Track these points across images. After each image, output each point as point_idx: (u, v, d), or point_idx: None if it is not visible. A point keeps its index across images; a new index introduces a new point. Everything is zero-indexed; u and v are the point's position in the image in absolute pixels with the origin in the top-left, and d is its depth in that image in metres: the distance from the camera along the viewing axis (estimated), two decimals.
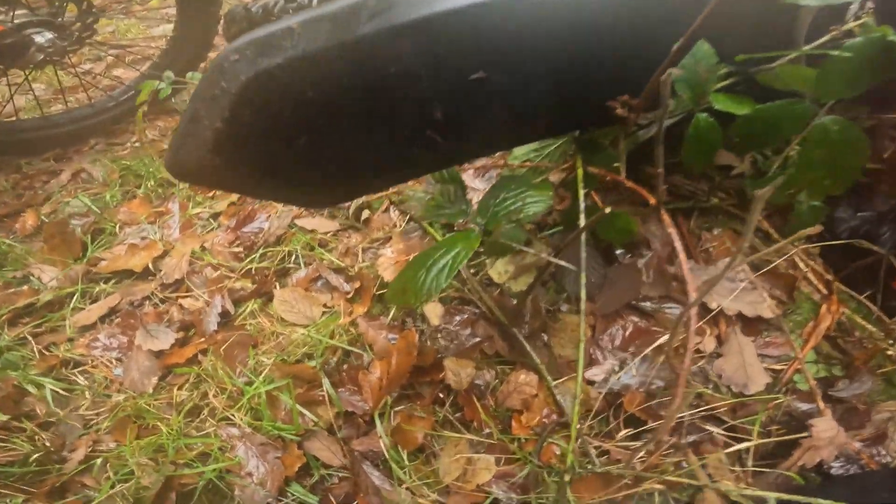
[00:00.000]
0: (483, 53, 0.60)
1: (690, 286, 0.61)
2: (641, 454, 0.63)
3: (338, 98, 0.56)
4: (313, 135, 0.57)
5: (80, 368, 1.00)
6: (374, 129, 0.60)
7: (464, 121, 0.65)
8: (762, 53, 0.64)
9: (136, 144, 1.50)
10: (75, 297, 1.06)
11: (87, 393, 0.97)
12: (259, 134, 0.54)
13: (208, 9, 1.54)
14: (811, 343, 0.95)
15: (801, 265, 1.06)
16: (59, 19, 1.43)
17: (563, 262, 0.68)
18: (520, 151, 0.94)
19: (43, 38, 1.42)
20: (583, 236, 0.70)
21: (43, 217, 1.25)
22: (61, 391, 0.96)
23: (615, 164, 0.82)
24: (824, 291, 1.02)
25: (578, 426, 0.85)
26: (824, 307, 0.99)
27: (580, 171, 0.77)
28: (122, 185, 1.31)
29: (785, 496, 0.52)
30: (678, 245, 0.63)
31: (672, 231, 0.65)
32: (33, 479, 0.88)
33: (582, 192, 0.74)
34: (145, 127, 1.51)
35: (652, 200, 0.73)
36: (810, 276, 1.04)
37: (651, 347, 0.90)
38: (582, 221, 0.71)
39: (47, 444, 0.91)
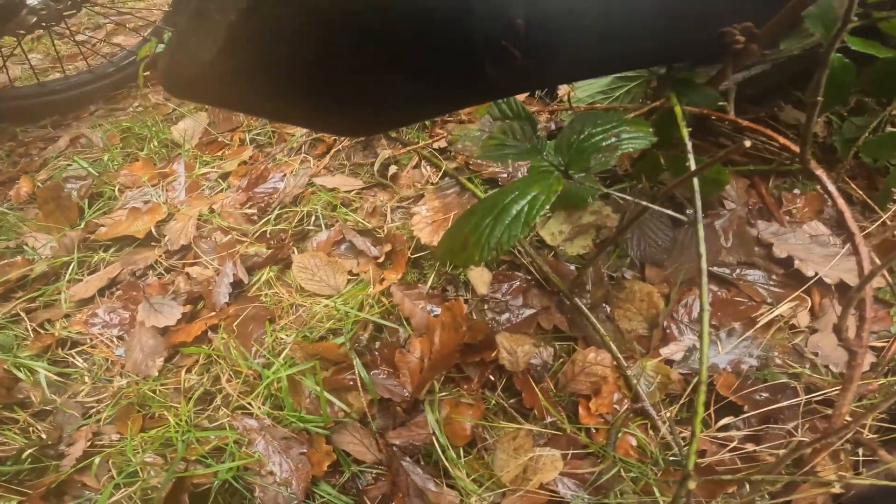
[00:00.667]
0: None
1: (863, 256, 0.41)
2: (794, 455, 0.45)
3: None
4: (360, 34, 0.38)
5: (77, 349, 0.83)
6: (438, 34, 0.41)
7: (550, 32, 0.45)
8: None
9: (139, 109, 1.30)
10: (71, 268, 0.89)
11: (85, 377, 0.80)
12: (286, 31, 0.35)
13: None
14: None
15: None
16: None
17: (669, 212, 0.49)
18: (583, 94, 0.74)
19: (35, 0, 1.23)
20: (696, 182, 0.50)
21: (38, 183, 1.07)
22: (57, 376, 0.79)
23: (720, 104, 0.62)
24: None
25: (656, 413, 0.67)
26: None
27: (678, 109, 0.57)
28: (124, 147, 1.12)
29: None
30: (840, 204, 0.43)
31: (820, 173, 0.46)
32: (28, 477, 0.72)
33: (685, 131, 0.54)
34: (148, 91, 1.31)
35: (787, 144, 0.53)
36: None
37: (756, 326, 0.71)
38: (692, 165, 0.51)
39: (43, 436, 0.75)
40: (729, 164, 0.92)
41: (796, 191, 0.87)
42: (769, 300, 0.76)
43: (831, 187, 0.45)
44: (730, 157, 0.92)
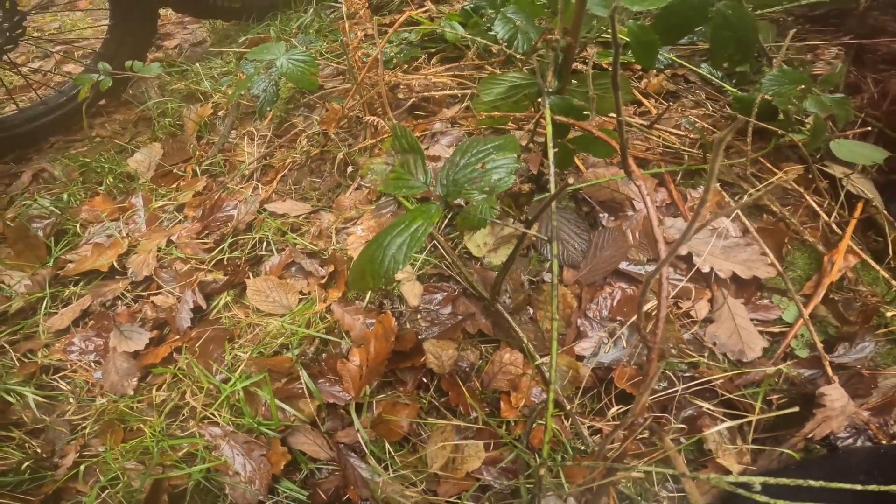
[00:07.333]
0: None
1: (660, 245, 0.58)
2: (613, 440, 0.62)
3: None
4: None
5: (60, 374, 1.02)
6: None
7: None
8: None
9: (97, 140, 1.46)
10: (45, 302, 1.07)
11: (70, 398, 0.99)
12: None
13: None
14: (814, 300, 0.92)
15: (812, 202, 1.03)
16: None
17: (536, 234, 0.66)
18: (487, 97, 0.87)
19: None
20: (553, 205, 0.67)
21: (7, 222, 1.24)
22: (44, 398, 0.98)
23: (585, 113, 0.78)
24: (838, 232, 0.99)
25: (570, 406, 0.85)
26: (826, 258, 0.97)
27: (549, 128, 0.72)
28: (84, 182, 1.29)
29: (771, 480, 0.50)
30: (647, 202, 0.59)
31: (640, 183, 0.62)
32: (29, 487, 0.90)
33: (552, 153, 0.70)
34: (103, 121, 1.47)
35: (615, 145, 0.69)
36: (821, 211, 1.01)
37: (625, 312, 0.88)
38: (553, 188, 0.67)
39: (38, 450, 0.94)
40: (643, 166, 1.08)
41: (700, 188, 1.03)
42: (674, 294, 0.93)
43: (646, 199, 0.61)
44: (643, 158, 1.09)
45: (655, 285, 0.96)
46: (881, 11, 1.47)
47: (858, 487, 0.47)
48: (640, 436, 0.69)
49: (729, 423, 0.72)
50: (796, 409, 0.72)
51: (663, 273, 0.58)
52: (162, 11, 1.62)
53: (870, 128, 1.16)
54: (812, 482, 0.49)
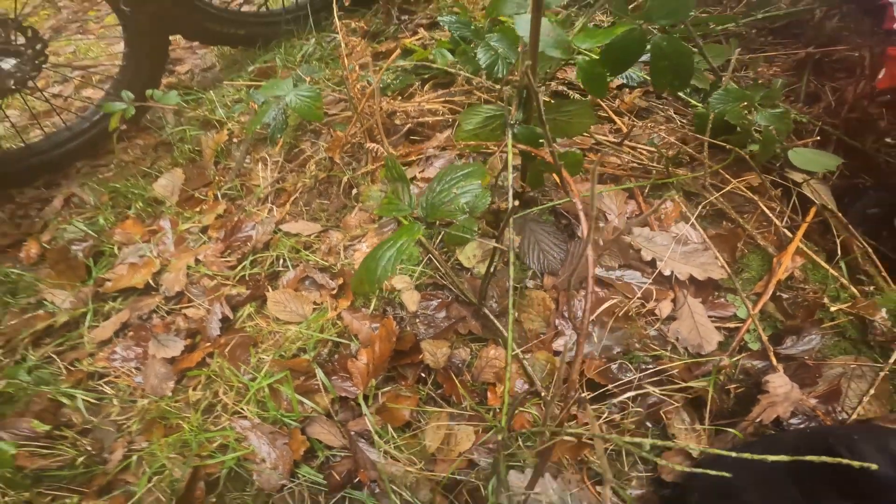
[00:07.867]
0: None
1: (584, 227, 0.73)
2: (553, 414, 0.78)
3: None
4: None
5: (104, 379, 1.18)
6: None
7: None
8: None
9: (122, 164, 1.62)
10: (88, 316, 1.23)
11: (115, 401, 1.15)
12: None
13: (154, 21, 1.63)
14: (764, 298, 1.07)
15: (764, 209, 1.17)
16: (13, 47, 1.49)
17: (503, 246, 0.81)
18: (468, 126, 1.00)
19: (8, 64, 1.50)
20: (510, 222, 0.82)
21: (44, 244, 1.40)
22: (93, 401, 1.14)
23: (540, 141, 0.92)
24: (788, 235, 1.13)
25: (545, 394, 1.00)
26: (775, 260, 1.11)
27: (510, 157, 0.87)
28: (114, 206, 1.45)
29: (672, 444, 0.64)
30: (582, 217, 0.74)
31: (577, 200, 0.76)
32: (82, 480, 1.06)
33: (511, 176, 0.85)
34: (126, 146, 1.63)
35: (545, 157, 0.83)
36: (773, 217, 1.15)
37: (598, 313, 1.04)
38: (509, 205, 0.82)
39: (88, 448, 1.10)
40: (614, 182, 1.24)
41: (669, 202, 1.18)
42: (640, 296, 1.08)
43: (582, 215, 0.76)
44: (616, 175, 1.24)
45: (625, 289, 1.11)
46: (840, 20, 1.60)
47: (754, 457, 0.60)
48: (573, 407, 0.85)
49: (652, 389, 0.88)
50: (699, 385, 0.87)
51: (591, 284, 0.72)
52: (172, 37, 1.76)
53: (819, 137, 1.30)
54: (723, 451, 0.64)
